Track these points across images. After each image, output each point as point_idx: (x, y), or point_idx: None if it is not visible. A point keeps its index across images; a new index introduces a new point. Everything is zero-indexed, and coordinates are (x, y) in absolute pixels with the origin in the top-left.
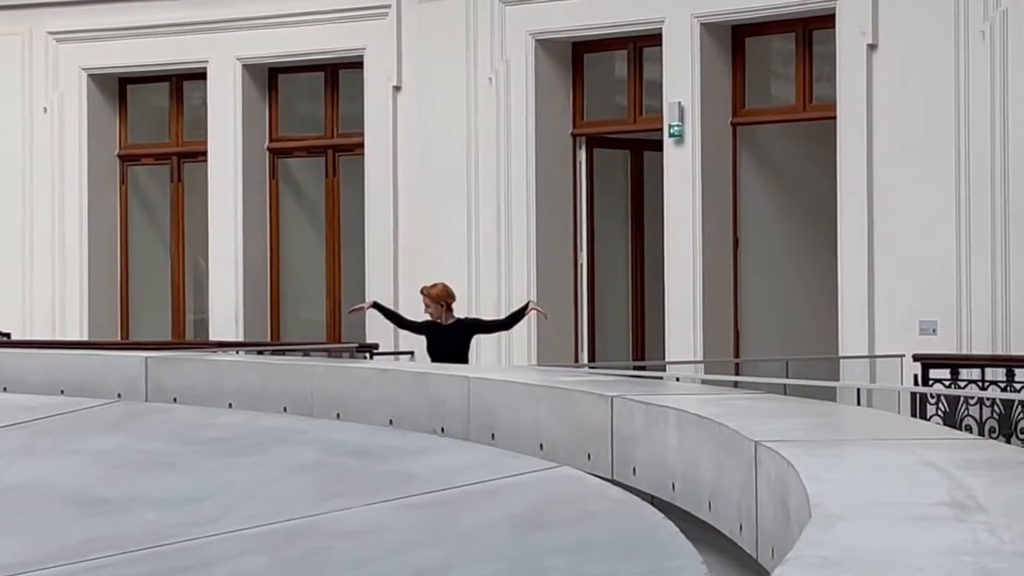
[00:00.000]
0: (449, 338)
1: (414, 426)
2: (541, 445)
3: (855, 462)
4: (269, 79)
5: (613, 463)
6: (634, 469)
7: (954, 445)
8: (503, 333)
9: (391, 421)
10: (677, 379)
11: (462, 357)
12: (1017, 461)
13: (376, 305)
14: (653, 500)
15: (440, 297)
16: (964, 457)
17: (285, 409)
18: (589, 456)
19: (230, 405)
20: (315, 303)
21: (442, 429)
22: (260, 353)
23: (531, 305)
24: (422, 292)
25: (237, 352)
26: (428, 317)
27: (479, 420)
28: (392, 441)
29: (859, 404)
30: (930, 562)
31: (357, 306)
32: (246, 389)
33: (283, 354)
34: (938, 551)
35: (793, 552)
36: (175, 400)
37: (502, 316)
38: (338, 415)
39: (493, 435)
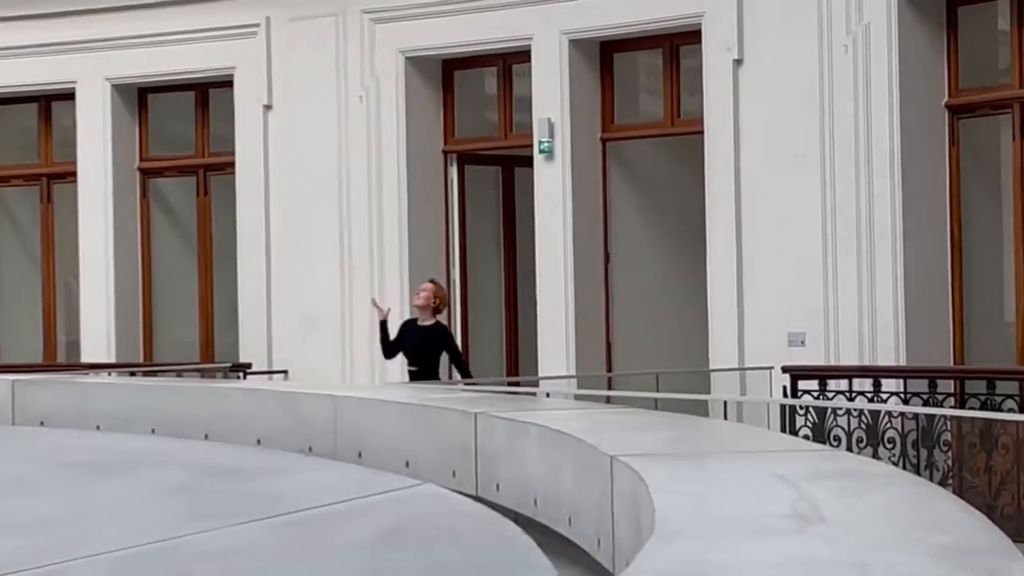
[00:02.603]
0: (423, 337)
1: (282, 446)
2: (407, 463)
3: (707, 475)
4: (139, 99)
5: (477, 480)
6: (497, 485)
7: (808, 456)
8: (377, 352)
9: (259, 441)
10: (547, 395)
11: (428, 359)
12: (867, 472)
13: (385, 322)
14: (516, 517)
15: (437, 295)
16: (816, 468)
17: (153, 431)
18: (454, 473)
19: (98, 428)
20: (188, 323)
21: (310, 448)
22: (132, 374)
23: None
24: (431, 282)
25: (109, 374)
26: (415, 313)
27: (346, 439)
28: (259, 461)
29: (727, 417)
30: (762, 574)
31: (380, 308)
32: (114, 411)
33: (155, 375)
34: (772, 563)
35: (632, 567)
36: (42, 423)
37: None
38: (206, 436)
39: (360, 454)
